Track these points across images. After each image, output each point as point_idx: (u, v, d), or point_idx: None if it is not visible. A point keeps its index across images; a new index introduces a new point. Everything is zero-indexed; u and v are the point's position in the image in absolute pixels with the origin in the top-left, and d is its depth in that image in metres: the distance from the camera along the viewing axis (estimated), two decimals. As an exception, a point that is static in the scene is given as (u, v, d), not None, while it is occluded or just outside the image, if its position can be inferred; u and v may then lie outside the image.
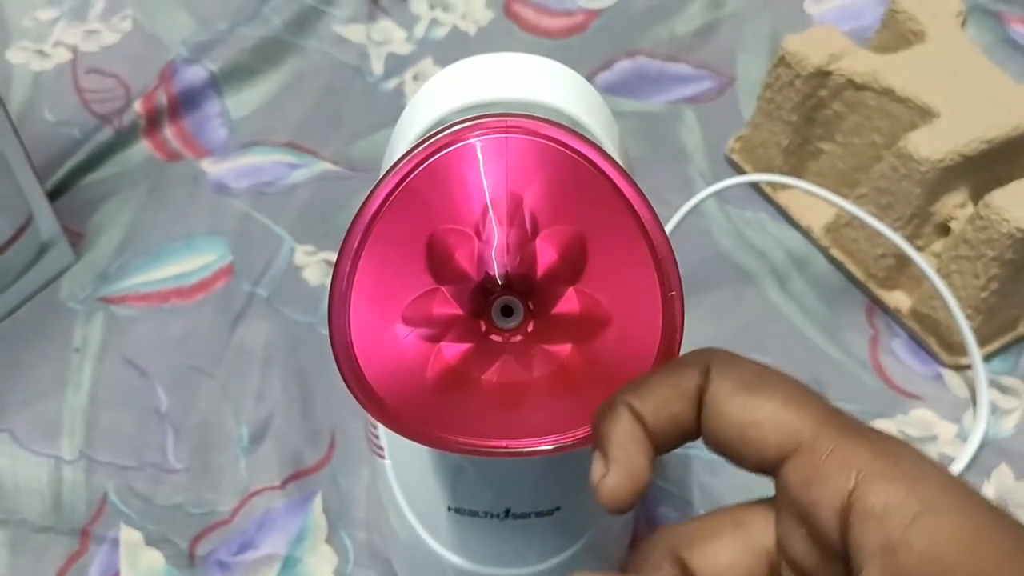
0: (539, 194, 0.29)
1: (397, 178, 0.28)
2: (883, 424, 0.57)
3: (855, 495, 0.22)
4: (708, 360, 0.26)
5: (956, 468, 0.55)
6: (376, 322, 0.29)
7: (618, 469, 0.25)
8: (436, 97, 0.38)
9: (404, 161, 0.28)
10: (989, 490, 0.55)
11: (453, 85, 0.38)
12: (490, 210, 0.28)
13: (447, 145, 0.28)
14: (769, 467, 0.25)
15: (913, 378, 0.59)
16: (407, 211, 0.29)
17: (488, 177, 0.28)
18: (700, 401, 0.26)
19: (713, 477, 0.55)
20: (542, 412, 0.29)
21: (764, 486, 0.27)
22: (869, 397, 0.59)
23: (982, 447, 0.56)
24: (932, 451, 0.57)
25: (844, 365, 0.60)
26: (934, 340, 0.60)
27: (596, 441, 0.26)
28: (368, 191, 0.29)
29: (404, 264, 0.29)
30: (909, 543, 0.21)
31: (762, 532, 0.26)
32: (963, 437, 0.57)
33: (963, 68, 0.61)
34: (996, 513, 0.22)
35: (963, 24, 0.64)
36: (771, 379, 0.25)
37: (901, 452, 0.23)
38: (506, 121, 0.28)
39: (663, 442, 0.26)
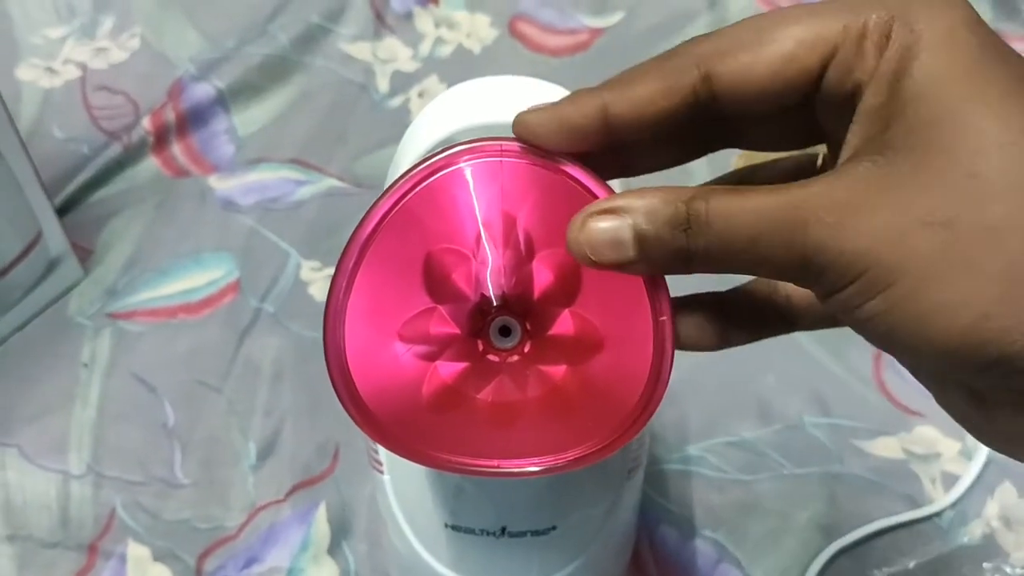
0: (534, 217, 0.29)
1: (393, 199, 0.29)
2: (886, 441, 0.58)
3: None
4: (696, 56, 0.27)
5: (960, 487, 0.56)
6: (372, 340, 0.29)
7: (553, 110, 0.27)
8: (438, 118, 0.38)
9: (400, 182, 0.29)
10: (993, 507, 0.55)
11: (454, 107, 0.38)
12: (483, 232, 0.29)
13: (443, 167, 0.29)
14: (815, 80, 0.27)
15: (916, 395, 0.59)
16: (404, 231, 0.29)
17: (483, 200, 0.29)
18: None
19: (715, 495, 0.54)
20: (534, 433, 0.29)
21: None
22: (872, 414, 0.59)
23: (986, 465, 0.56)
24: (935, 469, 0.57)
25: (847, 382, 0.60)
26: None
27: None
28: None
29: (401, 283, 0.29)
30: (910, 73, 0.25)
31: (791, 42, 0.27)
32: (967, 455, 0.57)
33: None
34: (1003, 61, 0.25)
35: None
36: (771, 15, 0.27)
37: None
38: (501, 145, 0.29)
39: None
